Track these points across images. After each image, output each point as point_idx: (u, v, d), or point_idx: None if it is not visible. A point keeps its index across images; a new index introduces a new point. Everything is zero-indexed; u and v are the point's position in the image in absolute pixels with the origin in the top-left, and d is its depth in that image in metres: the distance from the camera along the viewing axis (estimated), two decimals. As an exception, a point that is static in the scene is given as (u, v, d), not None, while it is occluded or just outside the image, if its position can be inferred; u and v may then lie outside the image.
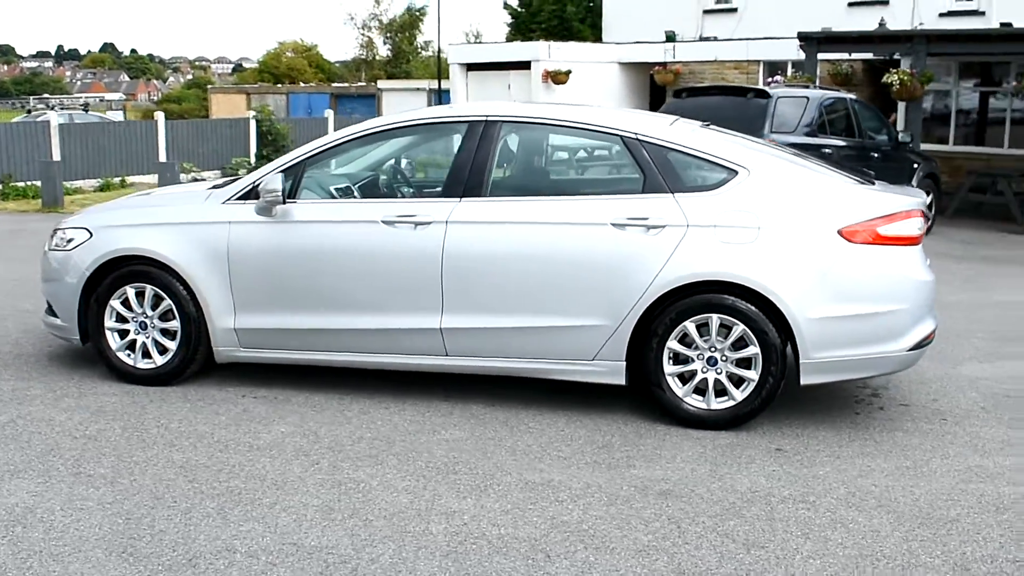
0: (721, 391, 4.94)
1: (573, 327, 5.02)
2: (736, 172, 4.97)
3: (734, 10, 23.78)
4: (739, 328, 4.85)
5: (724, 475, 4.40)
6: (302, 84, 42.15)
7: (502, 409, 5.25)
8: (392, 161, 5.63)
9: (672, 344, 4.94)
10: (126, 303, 5.57)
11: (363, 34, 50.17)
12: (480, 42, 47.87)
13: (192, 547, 3.66)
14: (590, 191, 5.13)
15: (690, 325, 4.90)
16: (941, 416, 5.23)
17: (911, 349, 4.91)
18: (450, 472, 4.41)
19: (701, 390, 4.98)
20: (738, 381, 4.92)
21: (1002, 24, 18.47)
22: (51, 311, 5.92)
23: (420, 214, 5.14)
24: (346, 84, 41.25)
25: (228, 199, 5.47)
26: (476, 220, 5.08)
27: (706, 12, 24.41)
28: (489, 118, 5.26)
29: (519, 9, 37.38)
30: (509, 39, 35.68)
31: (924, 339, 4.94)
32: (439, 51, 32.42)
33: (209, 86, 49.63)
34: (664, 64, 22.87)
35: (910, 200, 4.99)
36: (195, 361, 5.56)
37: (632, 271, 4.90)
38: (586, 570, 3.52)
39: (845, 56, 20.14)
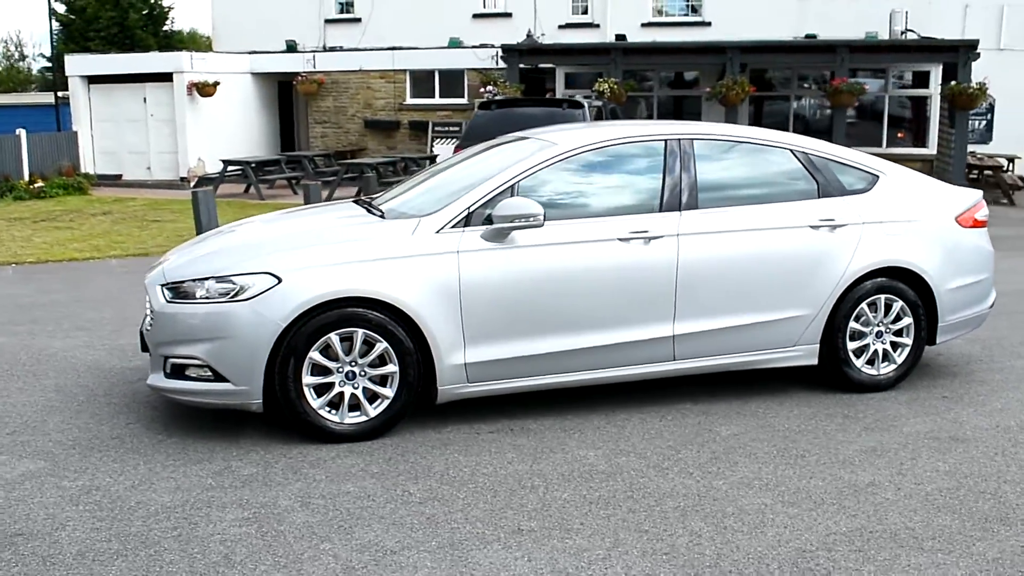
0: (884, 359, 5.94)
1: (782, 319, 5.66)
2: (878, 176, 6.00)
3: (358, 20, 24.43)
4: (898, 304, 5.89)
5: (960, 420, 5.41)
6: None
7: (705, 404, 5.69)
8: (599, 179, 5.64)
9: (852, 324, 5.83)
10: (326, 353, 4.95)
11: None
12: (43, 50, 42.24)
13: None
14: (779, 198, 5.75)
15: (865, 306, 5.83)
16: (976, 359, 6.76)
17: (990, 308, 6.37)
18: (797, 457, 4.85)
19: (870, 360, 5.93)
20: (894, 347, 5.97)
21: (617, 36, 21.62)
22: (184, 375, 5.00)
23: (652, 229, 5.38)
24: None
25: (443, 227, 5.14)
26: (701, 231, 5.47)
27: (328, 21, 24.75)
28: (682, 136, 5.66)
29: (71, 16, 33.87)
30: (62, 49, 32.14)
31: (994, 300, 6.43)
32: (53, 62, 28.27)
33: None
34: (304, 74, 22.75)
35: (978, 191, 6.43)
36: (412, 405, 5.14)
37: (828, 264, 5.69)
38: (1038, 500, 4.35)
39: (493, 65, 21.99)
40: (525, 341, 5.23)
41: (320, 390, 4.99)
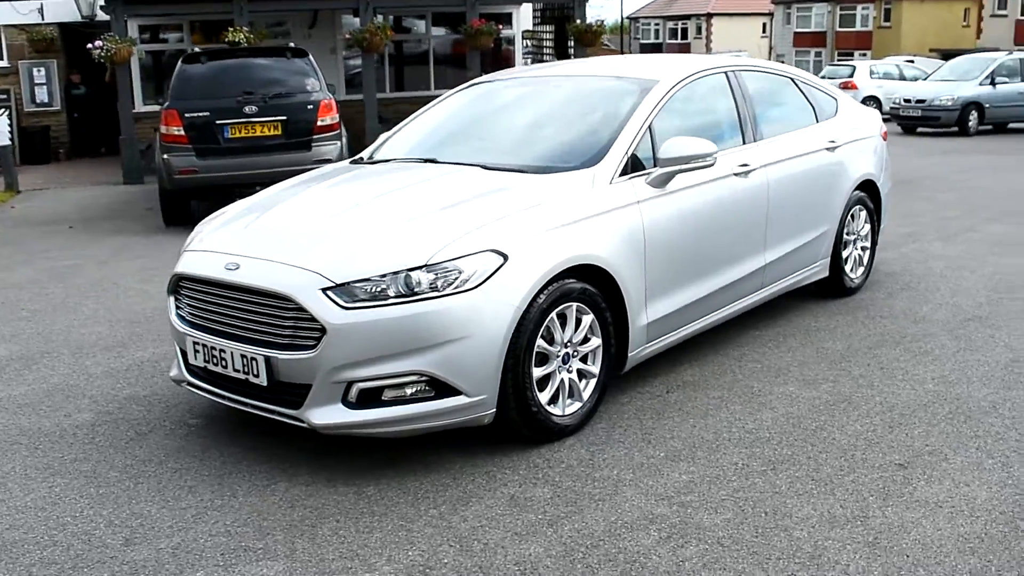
0: (859, 263, 6.68)
1: (817, 236, 6.08)
2: (836, 100, 6.61)
3: None
4: (864, 213, 6.65)
5: (955, 304, 6.36)
6: None
7: (763, 327, 5.93)
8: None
9: (844, 235, 6.44)
10: (545, 336, 4.21)
11: None
12: None
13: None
14: (798, 124, 5.99)
15: (849, 218, 6.47)
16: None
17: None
18: (925, 354, 5.34)
19: (852, 267, 6.60)
20: (864, 250, 6.72)
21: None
22: (379, 401, 3.91)
23: (750, 161, 5.37)
24: None
25: (613, 177, 4.59)
26: (772, 160, 5.60)
27: None
28: (732, 68, 5.67)
29: None
30: None
31: (885, 204, 7.51)
32: None
33: None
34: None
35: (876, 110, 7.36)
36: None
37: (839, 182, 6.24)
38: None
39: (38, 20, 18.74)
40: (686, 289, 4.96)
41: (540, 382, 4.23)
